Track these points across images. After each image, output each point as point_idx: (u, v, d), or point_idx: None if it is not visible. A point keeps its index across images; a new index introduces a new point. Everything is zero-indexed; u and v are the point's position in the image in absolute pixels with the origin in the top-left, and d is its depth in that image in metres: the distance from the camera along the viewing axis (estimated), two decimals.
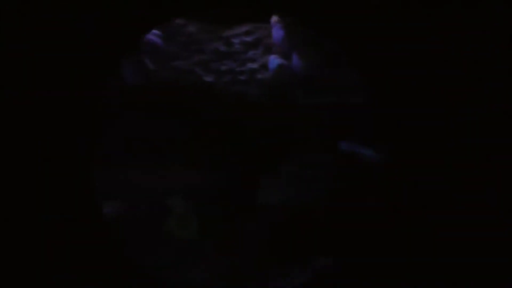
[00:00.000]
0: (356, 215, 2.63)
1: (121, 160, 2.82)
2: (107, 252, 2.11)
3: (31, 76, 1.92)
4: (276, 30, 3.00)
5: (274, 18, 2.99)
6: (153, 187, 2.81)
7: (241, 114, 2.91)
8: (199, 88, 2.94)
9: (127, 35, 2.05)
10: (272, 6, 2.50)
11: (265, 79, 2.97)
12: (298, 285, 2.45)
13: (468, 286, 2.05)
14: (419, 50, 1.95)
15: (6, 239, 1.99)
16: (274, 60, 3.01)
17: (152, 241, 2.68)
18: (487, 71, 1.94)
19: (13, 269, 1.99)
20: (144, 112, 2.84)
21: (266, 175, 2.86)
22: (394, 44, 1.96)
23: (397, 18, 1.92)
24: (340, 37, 2.05)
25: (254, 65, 3.05)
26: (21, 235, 2.00)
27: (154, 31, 2.94)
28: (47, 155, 1.98)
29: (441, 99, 2.00)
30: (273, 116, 2.91)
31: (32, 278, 2.00)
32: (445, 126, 2.02)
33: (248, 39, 3.10)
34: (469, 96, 1.98)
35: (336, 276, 2.37)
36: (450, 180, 2.05)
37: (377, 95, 2.11)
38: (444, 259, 2.08)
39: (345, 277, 2.30)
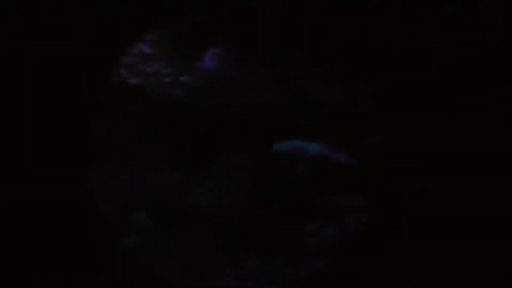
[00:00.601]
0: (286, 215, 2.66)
1: None
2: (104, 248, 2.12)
3: (31, 76, 1.92)
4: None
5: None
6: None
7: (167, 116, 2.93)
8: (125, 90, 2.93)
9: (127, 35, 2.05)
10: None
11: (187, 81, 3.00)
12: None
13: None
14: (419, 50, 1.96)
15: (5, 239, 1.99)
16: None
17: None
18: (487, 71, 1.95)
19: (13, 269, 1.99)
20: None
21: (195, 176, 2.88)
22: (393, 44, 1.97)
23: (397, 18, 1.93)
24: (340, 36, 2.05)
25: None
26: (20, 235, 2.00)
27: None
28: (46, 154, 1.98)
29: (440, 99, 2.01)
30: (197, 117, 2.94)
31: (31, 278, 2.00)
32: (444, 126, 2.03)
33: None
34: (468, 96, 1.99)
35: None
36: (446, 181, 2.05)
37: (376, 95, 2.11)
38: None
39: None
